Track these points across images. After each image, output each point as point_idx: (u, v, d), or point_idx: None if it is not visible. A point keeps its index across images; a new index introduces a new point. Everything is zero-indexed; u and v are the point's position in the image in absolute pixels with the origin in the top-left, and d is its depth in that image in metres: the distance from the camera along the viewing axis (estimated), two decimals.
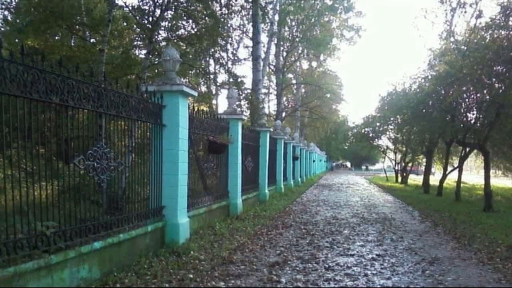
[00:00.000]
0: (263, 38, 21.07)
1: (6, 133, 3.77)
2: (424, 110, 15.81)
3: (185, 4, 11.82)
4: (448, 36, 18.64)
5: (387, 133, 28.84)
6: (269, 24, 21.46)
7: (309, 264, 5.72)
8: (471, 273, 5.40)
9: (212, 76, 18.92)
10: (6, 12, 14.75)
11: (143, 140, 6.48)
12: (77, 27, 12.44)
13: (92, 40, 13.38)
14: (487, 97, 12.70)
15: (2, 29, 14.82)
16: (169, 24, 12.88)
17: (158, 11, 10.64)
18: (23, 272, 3.54)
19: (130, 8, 11.09)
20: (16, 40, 12.92)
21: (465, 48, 12.86)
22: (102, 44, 9.78)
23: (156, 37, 11.70)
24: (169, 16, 12.15)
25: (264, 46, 20.92)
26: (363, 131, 29.47)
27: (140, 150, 6.58)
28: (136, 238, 5.42)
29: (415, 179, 32.31)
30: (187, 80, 15.71)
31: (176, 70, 6.57)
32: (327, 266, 5.65)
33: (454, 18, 20.34)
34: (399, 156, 31.81)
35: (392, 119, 23.85)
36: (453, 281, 5.05)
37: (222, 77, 53.47)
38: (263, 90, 22.79)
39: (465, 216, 10.75)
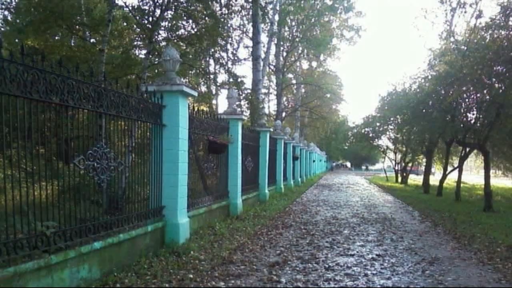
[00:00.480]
0: (263, 38, 21.12)
1: (6, 133, 3.77)
2: (424, 110, 15.80)
3: (185, 4, 11.82)
4: (448, 36, 18.61)
5: (387, 133, 28.87)
6: (269, 24, 21.46)
7: (309, 264, 5.72)
8: (471, 273, 5.40)
9: (212, 76, 18.91)
10: (6, 12, 14.79)
11: (143, 140, 6.48)
12: (77, 27, 12.43)
13: (92, 40, 13.38)
14: (487, 97, 12.70)
15: (2, 29, 14.83)
16: (169, 24, 12.89)
17: (158, 11, 10.65)
18: (23, 272, 3.54)
19: (130, 8, 11.10)
20: (16, 40, 12.92)
21: (465, 48, 12.85)
22: (102, 44, 9.78)
23: (156, 37, 11.70)
24: (169, 16, 12.16)
25: (264, 46, 20.95)
26: (363, 131, 29.49)
27: (140, 150, 6.58)
28: (136, 238, 5.42)
29: (415, 179, 32.31)
30: (187, 80, 15.71)
31: (176, 70, 6.57)
32: (327, 266, 5.66)
33: (454, 18, 20.37)
34: (399, 156, 31.81)
35: (392, 119, 23.86)
36: (453, 281, 5.05)
37: (222, 77, 53.53)
38: (263, 90, 22.79)
39: (465, 216, 10.75)
